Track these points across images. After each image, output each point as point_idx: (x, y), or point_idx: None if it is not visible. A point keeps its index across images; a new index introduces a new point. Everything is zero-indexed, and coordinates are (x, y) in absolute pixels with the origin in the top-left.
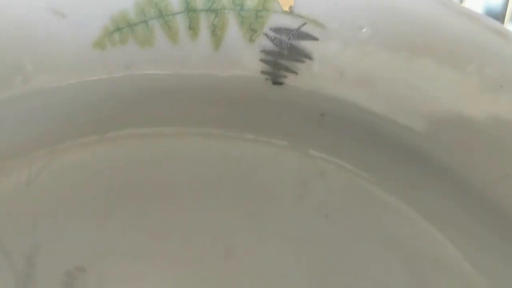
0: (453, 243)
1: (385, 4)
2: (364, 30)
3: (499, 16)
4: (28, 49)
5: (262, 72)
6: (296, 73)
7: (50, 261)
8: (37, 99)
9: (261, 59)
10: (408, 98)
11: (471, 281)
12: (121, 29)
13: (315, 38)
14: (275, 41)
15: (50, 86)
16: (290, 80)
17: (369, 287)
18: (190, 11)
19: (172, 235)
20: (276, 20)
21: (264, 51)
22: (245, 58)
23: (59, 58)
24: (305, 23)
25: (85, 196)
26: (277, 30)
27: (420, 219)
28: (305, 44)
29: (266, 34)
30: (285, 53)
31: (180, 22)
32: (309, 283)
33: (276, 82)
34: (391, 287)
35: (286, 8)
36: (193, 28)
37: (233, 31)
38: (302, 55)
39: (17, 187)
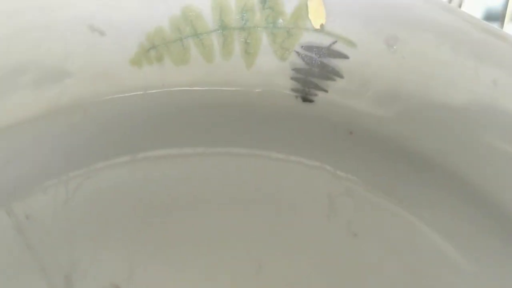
0: (473, 262)
1: (414, 21)
2: (394, 48)
3: (499, 17)
4: (67, 65)
5: (293, 89)
6: (326, 91)
7: (87, 279)
8: (74, 115)
9: (291, 77)
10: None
11: None
12: (156, 46)
13: (345, 56)
14: (306, 59)
15: (87, 101)
16: (320, 98)
17: None
18: (224, 29)
19: (205, 251)
20: (307, 37)
21: (295, 69)
22: (276, 76)
23: (97, 74)
24: (335, 41)
25: (120, 214)
26: (308, 48)
27: (442, 242)
28: (336, 62)
29: (297, 52)
30: (316, 71)
31: (214, 40)
32: None
33: (306, 99)
34: None
35: (318, 26)
36: (227, 46)
37: (265, 49)
38: (332, 73)
39: (55, 205)
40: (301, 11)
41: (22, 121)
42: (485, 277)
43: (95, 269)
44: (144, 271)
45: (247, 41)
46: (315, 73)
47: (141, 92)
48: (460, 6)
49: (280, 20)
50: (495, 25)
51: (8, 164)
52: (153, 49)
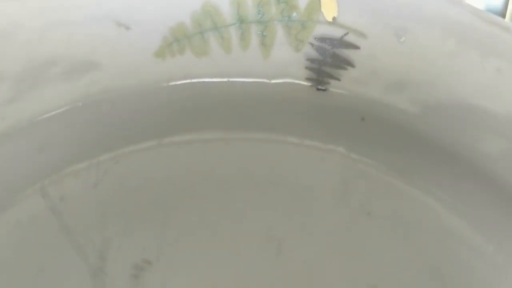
0: (487, 237)
1: (421, 14)
2: (402, 39)
3: (499, 16)
4: (95, 58)
5: (307, 79)
6: (339, 79)
7: (119, 255)
8: (103, 105)
9: (306, 67)
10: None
11: None
12: (179, 40)
13: (356, 47)
14: (319, 50)
15: (115, 92)
16: (333, 86)
17: (406, 282)
18: (242, 22)
19: (228, 232)
20: (320, 30)
21: (309, 59)
22: (291, 66)
23: (124, 66)
24: (347, 33)
25: (148, 196)
26: (321, 39)
27: (456, 221)
28: (347, 52)
29: (311, 43)
30: (329, 61)
31: (233, 33)
32: (353, 276)
33: (320, 88)
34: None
35: (330, 19)
36: (244, 38)
37: (281, 41)
38: (344, 63)
39: (86, 188)
40: (314, 4)
41: (54, 111)
42: (501, 256)
43: (126, 246)
44: (172, 249)
45: (264, 33)
46: (328, 63)
47: (165, 84)
48: None
49: (295, 14)
50: None
51: (43, 150)
52: (176, 42)
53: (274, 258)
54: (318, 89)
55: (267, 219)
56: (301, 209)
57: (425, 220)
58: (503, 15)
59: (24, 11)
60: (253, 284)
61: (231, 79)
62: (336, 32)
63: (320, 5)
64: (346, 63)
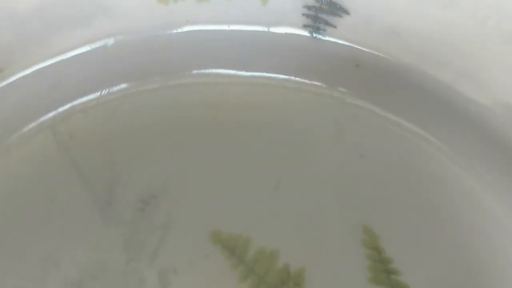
0: (476, 178)
1: None
2: None
3: None
4: (103, 3)
5: (304, 25)
6: (335, 26)
7: (126, 190)
8: (111, 48)
9: (303, 14)
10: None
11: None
12: None
13: None
14: None
15: (122, 34)
16: (329, 33)
17: (399, 217)
18: None
19: (228, 169)
20: None
21: (306, 6)
22: (289, 13)
23: (130, 11)
24: None
25: (154, 134)
26: None
27: (448, 162)
28: (343, 0)
29: None
30: (325, 8)
31: None
32: (347, 215)
33: (316, 35)
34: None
35: None
36: None
37: None
38: (340, 10)
39: (95, 125)
40: None
41: (66, 52)
42: (488, 194)
43: (133, 181)
44: (176, 184)
45: None
46: (324, 10)
47: (168, 30)
48: None
49: None
50: None
51: (54, 88)
52: None
53: (272, 193)
54: (314, 36)
55: (266, 159)
56: (297, 149)
57: (418, 162)
58: None
59: None
60: (253, 215)
61: (231, 27)
62: None
63: None
64: (342, 11)
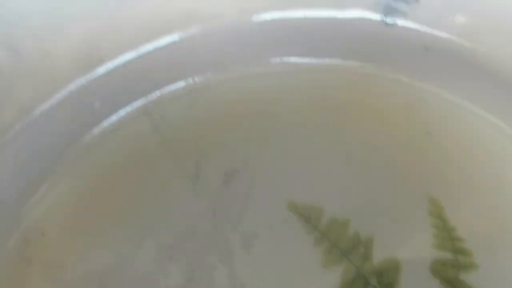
0: None
1: None
2: None
3: None
4: None
5: (376, 12)
6: (405, 14)
7: (212, 165)
8: (197, 35)
9: (375, 3)
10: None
11: None
12: None
13: None
14: None
15: (208, 21)
16: (399, 19)
17: (463, 189)
18: None
19: (303, 147)
20: None
21: None
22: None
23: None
24: None
25: (236, 116)
26: None
27: None
28: None
29: None
30: None
31: None
32: (412, 187)
33: (388, 21)
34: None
35: None
36: None
37: None
38: None
39: (184, 108)
40: None
41: (154, 39)
42: None
43: (217, 158)
44: (256, 160)
45: None
46: None
47: (249, 18)
48: None
49: None
50: None
51: (147, 73)
52: None
53: (343, 167)
54: (385, 22)
55: (338, 135)
56: (367, 128)
57: (483, 142)
58: None
59: None
60: (325, 187)
61: (307, 14)
62: None
63: None
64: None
